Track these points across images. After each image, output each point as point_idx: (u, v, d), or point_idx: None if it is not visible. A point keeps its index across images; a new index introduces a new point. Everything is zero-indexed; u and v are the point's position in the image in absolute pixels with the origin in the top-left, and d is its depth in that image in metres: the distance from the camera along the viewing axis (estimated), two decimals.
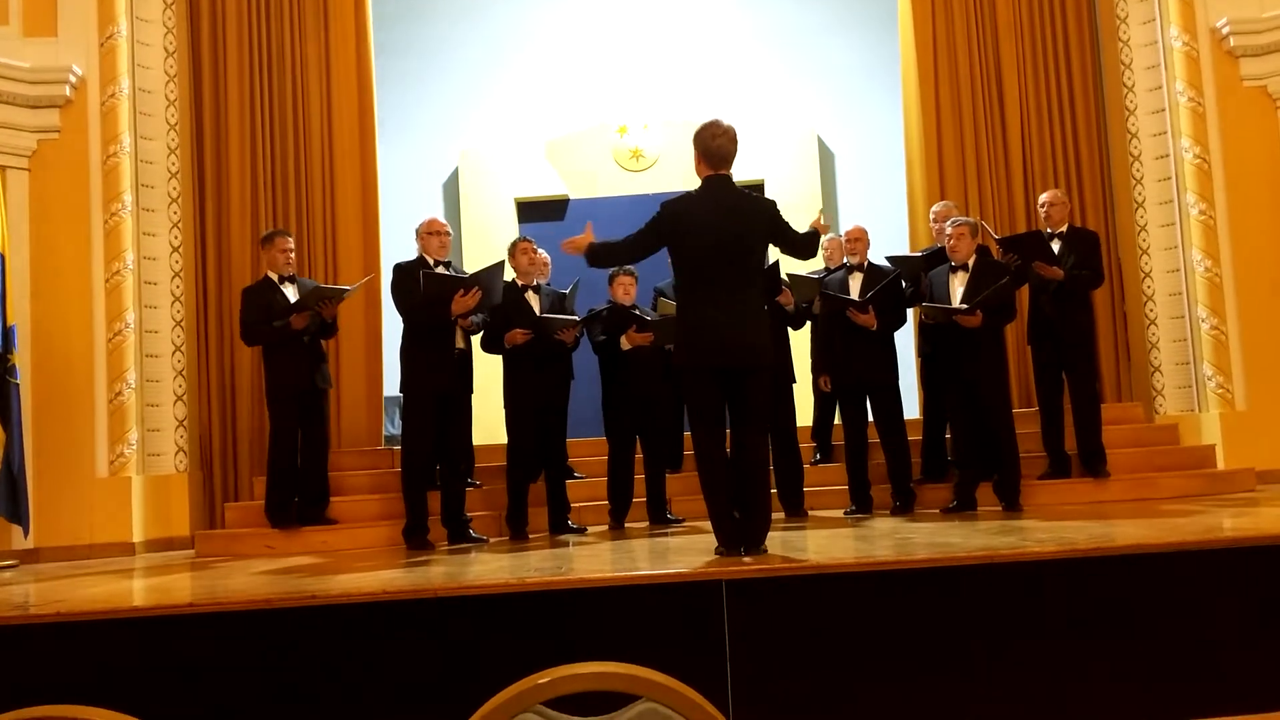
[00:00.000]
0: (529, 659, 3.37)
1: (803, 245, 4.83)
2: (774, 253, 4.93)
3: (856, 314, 6.58)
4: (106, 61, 7.80)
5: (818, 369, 7.37)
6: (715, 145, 4.62)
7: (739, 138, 4.69)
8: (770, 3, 11.42)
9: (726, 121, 4.69)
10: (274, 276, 6.79)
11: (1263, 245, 7.96)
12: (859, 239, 6.94)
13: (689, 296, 4.63)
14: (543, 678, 1.51)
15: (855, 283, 6.85)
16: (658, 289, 7.25)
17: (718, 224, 4.54)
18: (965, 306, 6.28)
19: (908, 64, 9.00)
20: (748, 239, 4.61)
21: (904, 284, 6.86)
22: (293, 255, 6.91)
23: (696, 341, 4.57)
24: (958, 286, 6.46)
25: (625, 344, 6.66)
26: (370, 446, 8.18)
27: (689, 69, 11.29)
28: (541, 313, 6.57)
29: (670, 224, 4.62)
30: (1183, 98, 8.12)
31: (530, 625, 3.73)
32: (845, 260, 7.03)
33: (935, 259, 6.90)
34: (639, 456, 6.88)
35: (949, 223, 6.66)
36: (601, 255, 4.83)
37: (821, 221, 5.06)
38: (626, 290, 6.81)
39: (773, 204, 4.74)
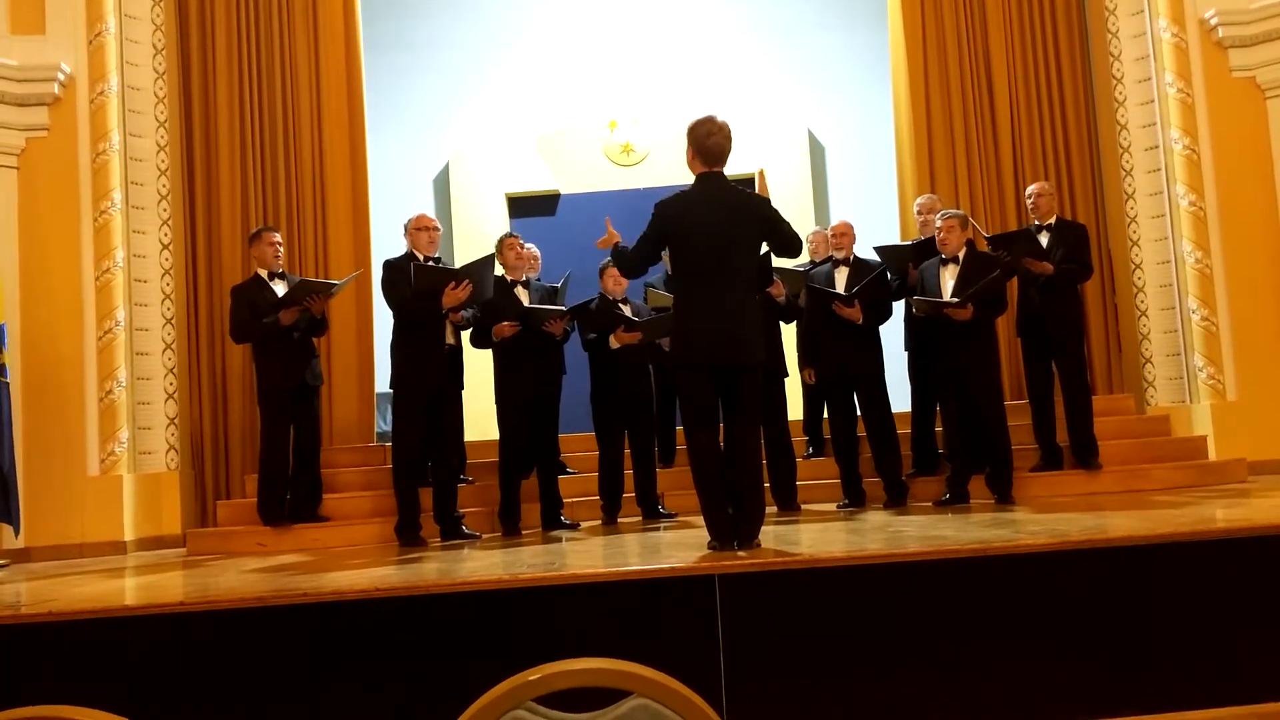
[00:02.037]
0: (522, 655, 3.37)
1: (791, 244, 4.81)
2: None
3: (842, 308, 6.59)
4: (95, 59, 7.77)
5: (804, 363, 7.38)
6: (711, 143, 4.63)
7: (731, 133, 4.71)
8: None
9: (721, 118, 4.69)
10: (263, 273, 6.78)
11: (1252, 236, 7.97)
12: (845, 234, 6.95)
13: (685, 294, 4.64)
14: (533, 674, 1.50)
15: (841, 277, 6.85)
16: (648, 284, 7.25)
17: (713, 222, 4.55)
18: (956, 300, 6.28)
19: (897, 57, 9.00)
20: (742, 237, 4.61)
21: (890, 277, 6.87)
22: (281, 249, 6.90)
23: (691, 339, 4.58)
24: (948, 279, 6.46)
25: (614, 343, 6.64)
26: (362, 443, 8.17)
27: (679, 63, 11.26)
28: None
29: (668, 224, 4.64)
30: (1172, 89, 8.12)
31: (523, 621, 3.73)
32: (831, 254, 7.03)
33: (922, 249, 6.90)
34: (629, 452, 6.88)
35: (939, 216, 6.66)
36: (620, 261, 4.93)
37: (766, 179, 5.03)
38: (617, 281, 6.79)
39: (766, 201, 4.75)
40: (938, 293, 6.45)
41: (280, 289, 6.69)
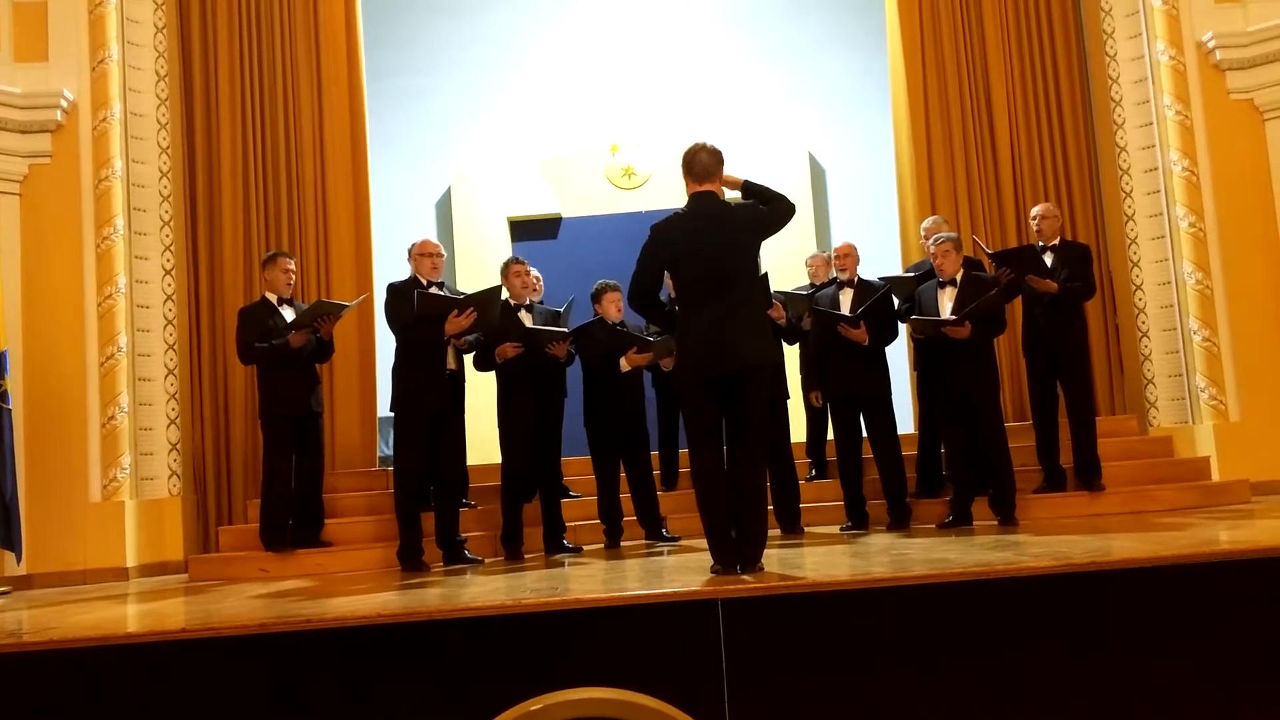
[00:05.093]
0: (524, 681, 3.36)
1: (785, 212, 4.73)
2: (762, 265, 4.92)
3: (848, 329, 6.59)
4: (98, 86, 7.81)
5: (808, 385, 7.37)
6: (697, 161, 4.68)
7: (727, 155, 4.76)
8: (760, 20, 11.47)
9: (710, 142, 4.75)
10: (272, 298, 6.79)
11: (1252, 256, 7.99)
12: (848, 255, 6.95)
13: (687, 311, 4.64)
14: (535, 704, 1.50)
15: (846, 298, 6.86)
16: None
17: (708, 236, 4.57)
18: (954, 318, 6.29)
19: (897, 80, 9.04)
20: (739, 244, 4.62)
21: (897, 304, 6.87)
22: (293, 276, 6.93)
23: (691, 357, 4.59)
24: (946, 302, 6.48)
25: (625, 365, 6.63)
26: (364, 468, 8.16)
27: (680, 87, 11.32)
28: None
29: (662, 244, 4.66)
30: (1170, 111, 8.16)
31: (525, 647, 3.71)
32: (835, 276, 7.04)
33: (928, 277, 6.91)
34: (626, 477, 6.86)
35: (932, 241, 6.68)
36: (631, 303, 4.91)
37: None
38: (618, 306, 6.80)
39: (754, 204, 4.74)
40: (936, 314, 6.47)
41: (288, 314, 6.71)
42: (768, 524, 4.70)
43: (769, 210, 4.70)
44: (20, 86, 7.65)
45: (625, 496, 6.84)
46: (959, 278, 6.52)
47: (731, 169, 4.77)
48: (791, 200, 4.76)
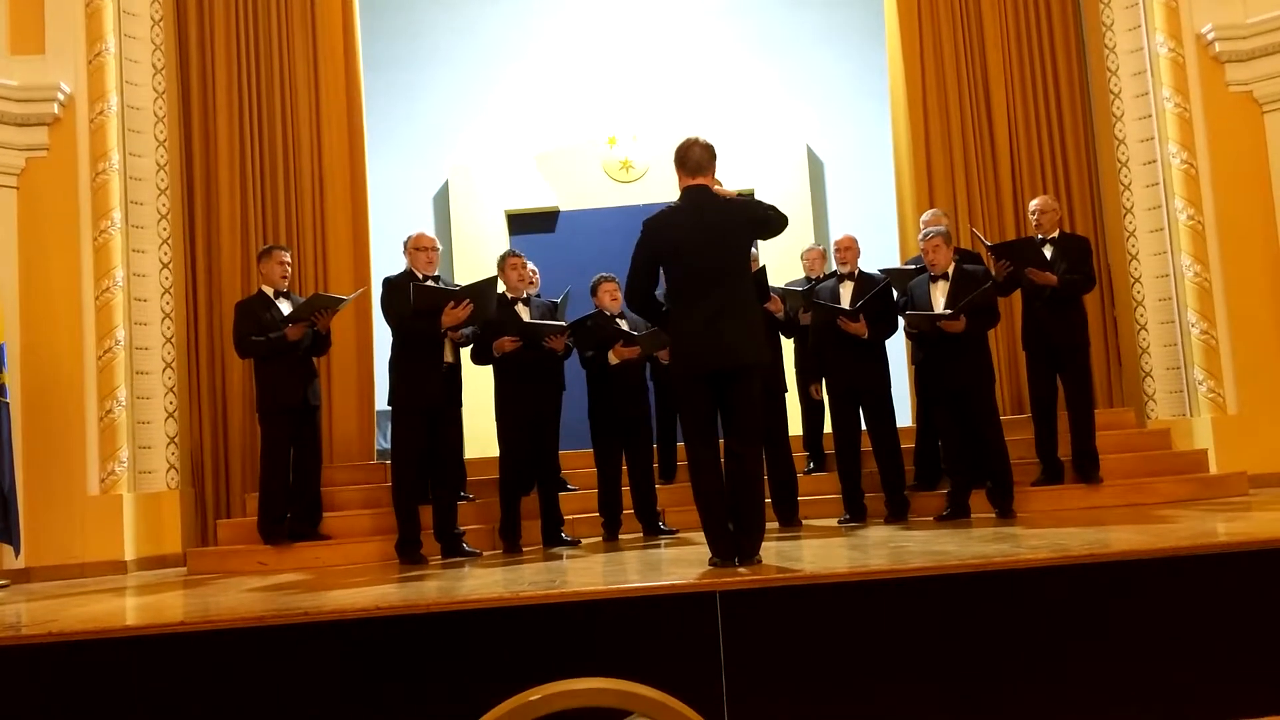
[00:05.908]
0: (523, 674, 3.36)
1: (778, 224, 4.75)
2: (760, 259, 4.92)
3: (847, 322, 6.59)
4: (95, 79, 7.80)
5: (805, 378, 7.37)
6: (690, 155, 4.69)
7: (725, 149, 4.75)
8: (758, 13, 11.46)
9: (704, 138, 4.75)
10: (268, 291, 6.78)
11: (1251, 249, 7.98)
12: (849, 248, 6.95)
13: (680, 306, 4.64)
14: (535, 694, 1.50)
15: (846, 291, 6.85)
16: None
17: (701, 229, 4.57)
18: (949, 312, 6.29)
19: (895, 73, 9.02)
20: (732, 239, 4.62)
21: (894, 292, 6.87)
22: (289, 269, 6.93)
23: (685, 351, 4.59)
24: (939, 296, 6.47)
25: (613, 359, 6.64)
26: (362, 461, 8.16)
27: (678, 80, 11.31)
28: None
29: (656, 239, 4.65)
30: (1169, 104, 8.15)
31: (524, 640, 3.72)
32: (835, 269, 7.04)
33: (924, 271, 6.91)
34: (627, 470, 6.86)
35: (921, 236, 6.67)
36: (628, 301, 4.89)
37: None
38: (614, 296, 6.80)
39: (749, 201, 4.73)
40: (929, 308, 6.46)
41: (285, 307, 6.71)
42: (765, 517, 4.71)
43: (763, 212, 4.68)
44: (17, 79, 7.64)
45: (624, 489, 6.85)
46: (950, 271, 6.51)
47: (726, 170, 4.75)
48: (785, 213, 4.75)
